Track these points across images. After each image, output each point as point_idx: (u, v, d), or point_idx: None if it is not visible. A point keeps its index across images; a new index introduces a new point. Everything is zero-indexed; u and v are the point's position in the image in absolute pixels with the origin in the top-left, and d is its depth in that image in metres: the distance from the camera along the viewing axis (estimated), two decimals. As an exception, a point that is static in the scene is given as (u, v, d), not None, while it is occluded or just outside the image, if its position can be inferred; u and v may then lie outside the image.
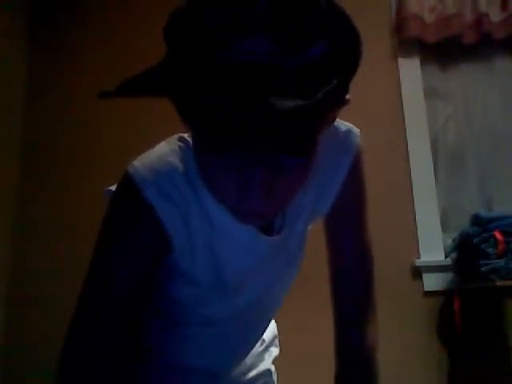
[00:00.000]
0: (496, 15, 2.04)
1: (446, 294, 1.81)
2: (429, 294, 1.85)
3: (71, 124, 2.11)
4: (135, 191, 0.58)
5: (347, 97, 0.50)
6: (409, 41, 2.08)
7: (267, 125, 0.42)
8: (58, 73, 2.19)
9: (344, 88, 0.46)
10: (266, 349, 0.89)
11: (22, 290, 1.96)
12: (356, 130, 0.70)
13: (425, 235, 1.92)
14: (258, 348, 0.85)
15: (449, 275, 1.82)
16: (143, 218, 0.58)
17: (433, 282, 1.86)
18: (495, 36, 2.03)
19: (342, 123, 0.69)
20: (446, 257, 1.86)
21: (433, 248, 1.90)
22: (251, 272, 0.67)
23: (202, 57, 0.41)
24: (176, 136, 0.64)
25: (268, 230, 0.65)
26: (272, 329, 0.91)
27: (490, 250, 1.55)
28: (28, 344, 1.89)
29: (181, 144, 0.62)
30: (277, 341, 0.93)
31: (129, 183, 0.58)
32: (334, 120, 0.57)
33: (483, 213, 1.66)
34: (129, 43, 2.16)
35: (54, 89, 2.17)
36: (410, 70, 2.10)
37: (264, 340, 0.87)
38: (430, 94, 2.13)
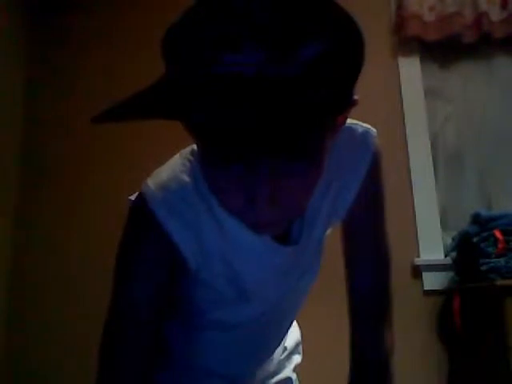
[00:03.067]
0: (496, 14, 2.04)
1: (445, 293, 1.81)
2: (428, 292, 1.85)
3: (71, 124, 2.11)
4: (146, 210, 0.58)
5: (355, 97, 0.48)
6: (409, 40, 2.08)
7: (261, 133, 0.41)
8: (58, 73, 2.19)
9: (346, 90, 0.45)
10: (288, 356, 0.87)
11: (22, 290, 1.97)
12: (373, 131, 0.68)
13: (424, 234, 1.92)
14: (279, 356, 0.84)
15: (449, 274, 1.82)
16: (154, 235, 0.58)
17: (432, 280, 1.86)
18: (495, 35, 2.03)
19: (359, 124, 0.67)
20: (445, 256, 1.86)
21: (432, 247, 1.90)
22: (269, 281, 0.66)
23: (186, 71, 0.41)
24: (189, 149, 0.64)
25: (285, 239, 0.63)
26: (295, 336, 0.90)
27: (490, 249, 1.55)
28: (28, 343, 1.90)
29: (191, 158, 0.62)
30: (300, 348, 0.92)
31: (141, 201, 0.59)
32: (343, 122, 0.54)
33: (483, 212, 1.66)
34: (132, 44, 2.16)
35: (54, 89, 2.17)
36: (410, 69, 2.10)
37: (286, 348, 0.86)
38: (430, 93, 2.13)
